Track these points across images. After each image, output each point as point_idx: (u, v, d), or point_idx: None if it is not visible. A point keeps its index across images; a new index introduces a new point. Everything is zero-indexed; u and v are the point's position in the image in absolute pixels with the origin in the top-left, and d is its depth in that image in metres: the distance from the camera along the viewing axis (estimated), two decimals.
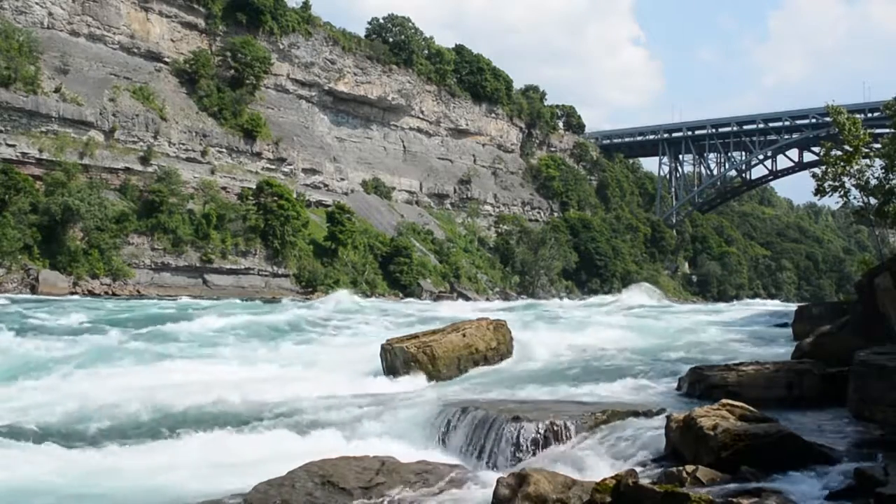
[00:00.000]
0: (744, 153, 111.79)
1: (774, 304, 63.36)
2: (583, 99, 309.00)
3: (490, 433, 9.52)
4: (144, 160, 61.66)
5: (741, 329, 26.86)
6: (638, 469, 7.45)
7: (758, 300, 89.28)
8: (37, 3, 60.30)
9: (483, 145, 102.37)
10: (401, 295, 71.18)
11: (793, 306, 33.51)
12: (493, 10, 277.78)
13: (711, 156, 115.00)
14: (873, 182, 23.34)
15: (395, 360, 15.39)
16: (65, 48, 60.66)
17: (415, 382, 14.63)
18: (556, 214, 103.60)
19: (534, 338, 19.84)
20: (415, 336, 16.22)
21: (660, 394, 12.34)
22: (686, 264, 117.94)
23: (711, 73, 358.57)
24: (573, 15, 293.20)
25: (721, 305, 65.09)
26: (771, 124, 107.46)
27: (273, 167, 73.35)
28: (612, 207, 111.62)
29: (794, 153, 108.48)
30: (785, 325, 24.85)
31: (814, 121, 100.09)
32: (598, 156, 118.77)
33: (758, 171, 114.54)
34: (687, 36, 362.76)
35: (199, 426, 11.28)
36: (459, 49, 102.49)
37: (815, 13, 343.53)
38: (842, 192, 23.94)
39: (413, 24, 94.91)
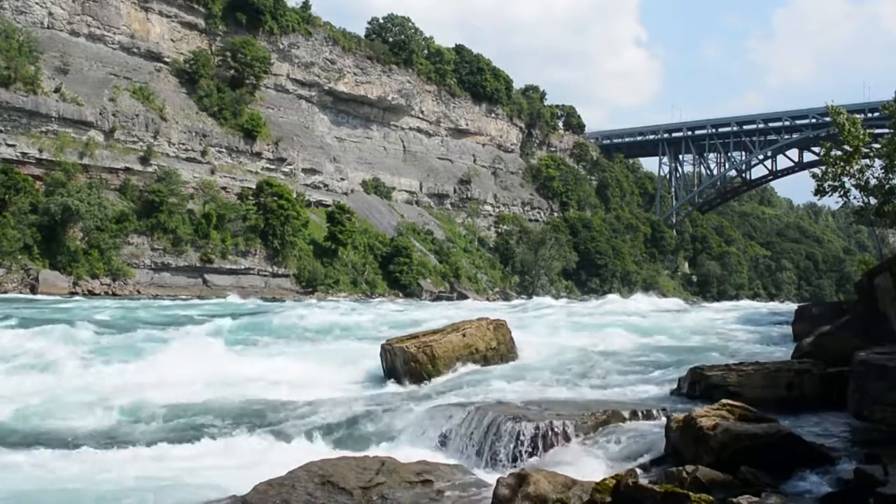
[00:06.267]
0: (744, 153, 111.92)
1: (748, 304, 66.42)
2: (584, 98, 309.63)
3: (490, 433, 9.51)
4: (144, 160, 61.69)
5: (741, 329, 26.84)
6: (638, 469, 7.44)
7: (756, 301, 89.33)
8: (37, 3, 60.31)
9: (483, 145, 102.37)
10: (401, 295, 71.12)
11: (793, 306, 33.53)
12: (500, 10, 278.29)
13: (711, 156, 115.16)
14: (873, 182, 23.43)
15: (395, 360, 15.37)
16: (65, 48, 60.69)
17: (415, 383, 14.61)
18: (556, 214, 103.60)
19: (534, 338, 19.82)
20: (415, 336, 16.20)
21: (660, 394, 12.33)
22: (686, 264, 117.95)
23: (714, 73, 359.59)
24: (579, 15, 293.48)
25: (712, 304, 67.82)
26: (771, 124, 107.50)
27: (273, 167, 73.37)
28: (612, 207, 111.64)
29: (794, 153, 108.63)
30: (785, 324, 24.82)
31: (814, 121, 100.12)
32: (598, 156, 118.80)
33: (758, 171, 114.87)
34: (691, 35, 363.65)
35: (191, 427, 11.24)
36: (459, 49, 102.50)
37: (821, 11, 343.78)
38: (842, 192, 24.03)
39: (413, 23, 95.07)
